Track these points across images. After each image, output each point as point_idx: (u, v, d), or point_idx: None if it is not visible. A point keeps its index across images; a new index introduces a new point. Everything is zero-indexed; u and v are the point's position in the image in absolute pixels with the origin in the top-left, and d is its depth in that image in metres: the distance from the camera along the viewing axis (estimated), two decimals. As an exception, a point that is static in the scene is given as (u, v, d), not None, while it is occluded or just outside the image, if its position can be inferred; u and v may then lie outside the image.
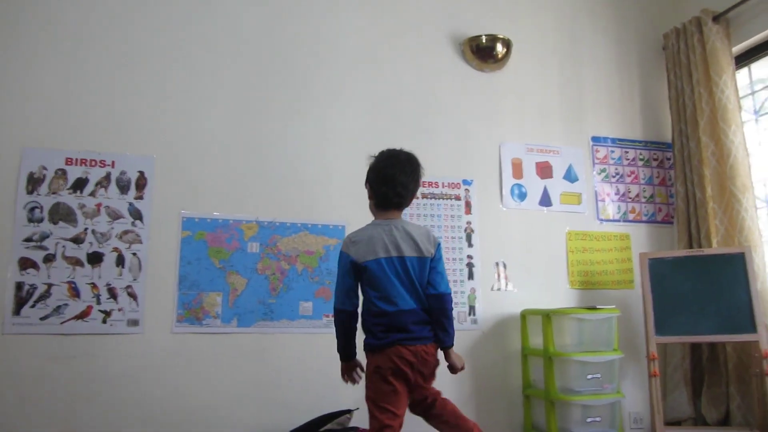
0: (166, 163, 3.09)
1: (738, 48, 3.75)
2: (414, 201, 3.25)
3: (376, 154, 2.40)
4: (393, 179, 2.27)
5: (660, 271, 3.37)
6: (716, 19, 3.71)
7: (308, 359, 3.10)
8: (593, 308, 3.22)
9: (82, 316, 2.85)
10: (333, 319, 2.29)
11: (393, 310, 2.18)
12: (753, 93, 3.85)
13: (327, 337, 3.12)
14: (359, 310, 2.27)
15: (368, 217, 3.26)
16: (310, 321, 3.13)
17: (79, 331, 2.83)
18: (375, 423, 2.15)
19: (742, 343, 3.34)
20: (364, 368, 2.30)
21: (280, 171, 3.25)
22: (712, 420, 3.43)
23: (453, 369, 2.34)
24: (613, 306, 3.32)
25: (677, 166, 3.85)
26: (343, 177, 3.33)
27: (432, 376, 2.29)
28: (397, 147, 2.41)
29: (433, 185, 3.46)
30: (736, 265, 3.24)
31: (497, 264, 3.49)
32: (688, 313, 3.26)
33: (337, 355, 2.36)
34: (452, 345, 2.29)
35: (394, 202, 2.29)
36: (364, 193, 3.26)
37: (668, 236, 3.92)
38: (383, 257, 2.21)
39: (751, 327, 3.12)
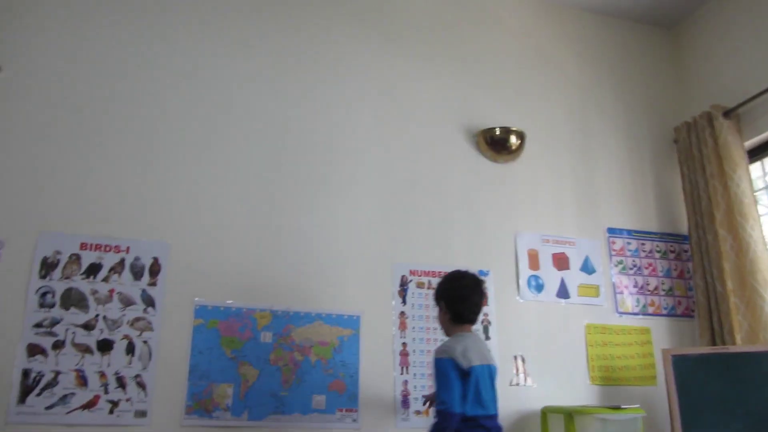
0: (181, 249, 3.07)
1: (750, 143, 3.80)
2: (429, 291, 3.28)
3: (449, 275, 2.79)
4: (469, 299, 2.66)
5: (684, 369, 3.26)
6: (727, 114, 3.77)
7: (320, 456, 2.97)
8: (617, 408, 3.10)
9: (89, 405, 2.75)
10: (433, 425, 2.40)
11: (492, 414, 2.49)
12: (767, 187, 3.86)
13: (340, 432, 3.02)
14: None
15: (383, 308, 3.25)
16: (322, 415, 3.01)
17: (85, 422, 2.72)
18: None
19: (773, 447, 3.19)
20: None
21: (295, 260, 3.22)
22: None
23: None
24: (638, 405, 3.19)
25: (695, 259, 3.81)
26: (357, 267, 3.30)
27: None
28: (478, 273, 2.81)
29: (450, 275, 3.42)
30: (762, 364, 3.13)
31: (515, 358, 3.39)
32: (715, 413, 3.13)
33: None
34: None
35: (470, 319, 2.65)
36: (379, 283, 3.31)
37: (689, 330, 3.82)
38: (481, 364, 2.49)
39: (783, 429, 2.99)
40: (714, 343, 3.56)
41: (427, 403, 3.04)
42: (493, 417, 2.49)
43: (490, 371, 2.55)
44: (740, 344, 3.37)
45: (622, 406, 3.11)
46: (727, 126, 3.73)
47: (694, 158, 3.90)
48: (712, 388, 3.18)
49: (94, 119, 3.15)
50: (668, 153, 4.20)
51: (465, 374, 2.42)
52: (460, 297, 2.65)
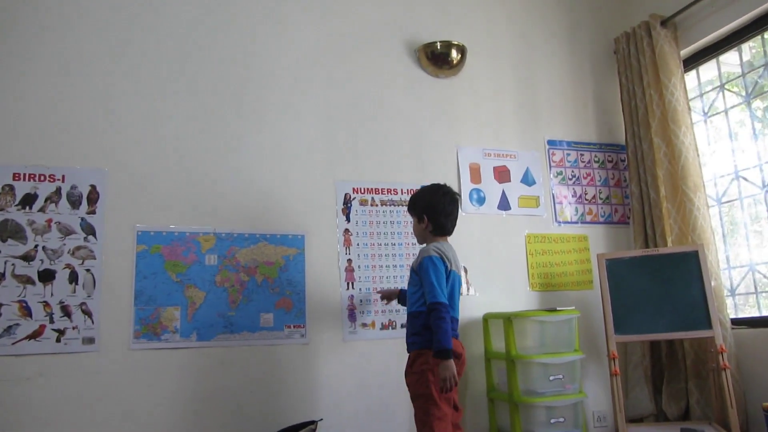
0: (119, 176, 3.01)
1: (686, 51, 3.86)
2: (373, 208, 3.31)
3: (423, 188, 2.94)
4: (450, 213, 2.80)
5: (617, 271, 3.43)
6: (664, 23, 3.80)
7: (271, 371, 3.06)
8: (553, 310, 3.26)
9: (35, 335, 2.76)
10: (433, 314, 2.50)
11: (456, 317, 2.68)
12: (702, 95, 3.95)
13: (289, 348, 3.10)
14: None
15: (328, 226, 3.28)
16: (271, 332, 3.09)
17: (32, 352, 2.74)
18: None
19: (699, 340, 3.42)
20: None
21: (237, 182, 3.20)
22: (673, 415, 3.49)
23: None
24: (573, 307, 3.37)
25: (631, 168, 3.93)
26: (300, 186, 3.31)
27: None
28: (441, 182, 2.94)
29: (392, 192, 3.47)
30: (690, 263, 3.31)
31: (458, 268, 3.50)
32: (645, 311, 3.32)
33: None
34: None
35: (449, 230, 2.82)
36: (322, 202, 3.32)
37: (625, 237, 3.99)
38: (456, 270, 2.71)
39: (707, 323, 3.19)
40: (647, 247, 3.72)
41: (384, 300, 3.20)
42: (456, 320, 2.68)
43: (460, 279, 2.77)
44: (670, 246, 3.54)
45: (558, 308, 3.26)
46: (664, 35, 3.77)
47: (633, 68, 3.96)
48: (643, 288, 3.36)
49: (19, 44, 2.99)
50: (608, 64, 4.24)
51: (447, 276, 2.63)
52: (444, 211, 2.78)
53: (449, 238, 2.82)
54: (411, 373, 2.60)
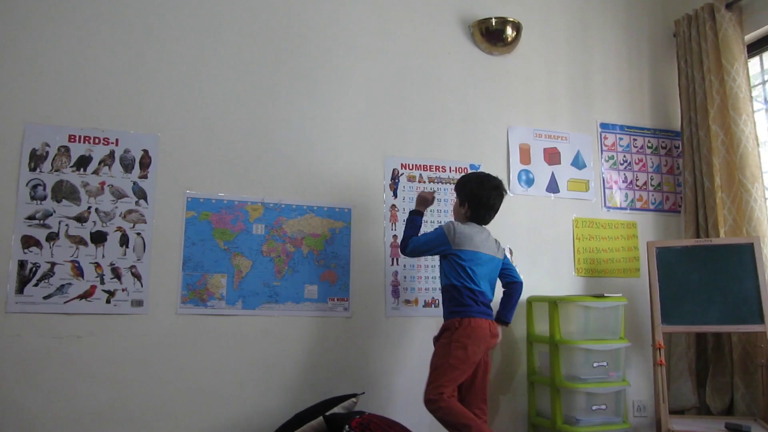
0: (171, 142, 3.04)
1: (750, 36, 3.71)
2: (421, 185, 3.29)
3: (474, 174, 3.00)
4: (492, 207, 2.88)
5: (667, 260, 3.35)
6: (729, 6, 3.65)
7: (313, 343, 3.08)
8: (600, 296, 3.20)
9: (86, 295, 2.81)
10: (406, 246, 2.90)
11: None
12: (765, 82, 3.81)
13: (332, 320, 3.12)
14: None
15: (375, 201, 3.27)
16: (315, 304, 3.10)
17: (82, 311, 2.80)
18: None
19: (747, 334, 3.33)
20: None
21: (287, 152, 3.20)
22: (716, 409, 3.43)
23: None
24: (620, 294, 3.30)
25: (686, 155, 3.82)
26: (349, 160, 3.30)
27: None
28: (469, 168, 3.24)
29: (441, 169, 3.43)
30: (743, 256, 3.22)
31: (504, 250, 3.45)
32: (694, 302, 3.25)
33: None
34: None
35: (486, 221, 2.91)
36: (370, 176, 3.31)
37: (675, 225, 3.89)
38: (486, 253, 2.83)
39: (758, 318, 3.11)
40: (698, 237, 3.63)
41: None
42: (490, 301, 2.83)
43: (491, 262, 2.85)
44: (724, 237, 3.44)
45: (605, 295, 3.21)
46: (728, 18, 3.63)
47: (693, 52, 3.82)
48: (693, 279, 3.28)
49: (82, 10, 3.01)
50: (667, 47, 4.11)
51: (454, 253, 2.77)
52: (486, 205, 2.85)
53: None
54: (437, 343, 2.78)
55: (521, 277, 3.05)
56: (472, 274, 2.74)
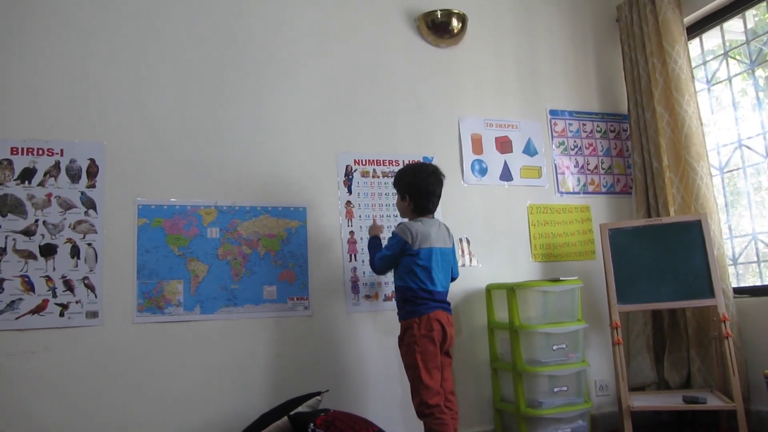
0: (118, 149, 2.98)
1: (689, 18, 3.81)
2: (375, 180, 3.29)
3: (408, 166, 3.01)
4: (433, 194, 2.86)
5: (620, 241, 3.42)
6: (668, -11, 3.74)
7: (275, 343, 3.06)
8: (556, 280, 3.26)
9: (38, 310, 2.75)
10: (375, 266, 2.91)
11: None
12: (705, 63, 3.91)
13: (293, 320, 3.11)
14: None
15: (329, 198, 3.27)
16: (274, 305, 3.08)
17: (35, 326, 2.73)
18: None
19: (700, 308, 3.42)
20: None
21: (238, 154, 3.17)
22: (675, 384, 3.52)
23: None
24: (576, 277, 3.36)
25: (634, 137, 3.90)
26: (301, 159, 3.28)
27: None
28: (422, 160, 3.20)
29: (394, 163, 3.44)
30: (692, 233, 3.30)
31: (461, 240, 3.49)
32: (648, 281, 3.32)
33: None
34: None
35: (431, 210, 2.88)
36: (323, 173, 3.30)
37: (627, 206, 3.98)
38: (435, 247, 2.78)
39: (709, 292, 3.19)
40: (650, 217, 3.71)
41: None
42: (440, 293, 2.78)
43: (442, 254, 2.80)
44: (673, 216, 3.53)
45: (561, 278, 3.26)
46: (668, 2, 3.71)
47: (635, 36, 3.91)
48: (646, 258, 3.35)
49: (17, 18, 2.92)
50: (610, 32, 4.19)
51: (401, 250, 2.76)
52: (426, 192, 2.83)
53: (438, 212, 2.96)
54: (402, 344, 2.76)
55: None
56: (430, 272, 2.73)
